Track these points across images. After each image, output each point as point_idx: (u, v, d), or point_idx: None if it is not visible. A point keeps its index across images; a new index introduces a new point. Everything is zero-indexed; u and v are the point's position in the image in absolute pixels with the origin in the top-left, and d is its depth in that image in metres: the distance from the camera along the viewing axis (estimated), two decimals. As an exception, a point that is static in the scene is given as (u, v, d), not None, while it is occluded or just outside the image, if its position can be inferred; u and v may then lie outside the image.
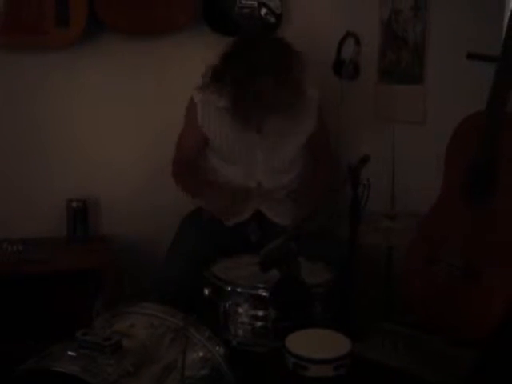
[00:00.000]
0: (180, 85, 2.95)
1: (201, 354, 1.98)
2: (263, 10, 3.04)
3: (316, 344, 1.93)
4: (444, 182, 2.45)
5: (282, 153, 2.72)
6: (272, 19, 3.06)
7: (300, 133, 2.74)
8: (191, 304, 2.24)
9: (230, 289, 2.19)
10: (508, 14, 2.30)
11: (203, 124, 2.71)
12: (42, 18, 2.80)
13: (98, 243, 3.08)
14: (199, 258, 2.41)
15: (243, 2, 3.06)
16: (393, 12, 3.06)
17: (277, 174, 2.72)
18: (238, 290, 2.18)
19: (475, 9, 2.69)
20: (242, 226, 2.71)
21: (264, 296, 2.14)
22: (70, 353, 1.76)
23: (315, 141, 2.78)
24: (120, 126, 3.14)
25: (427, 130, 2.97)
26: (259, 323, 2.16)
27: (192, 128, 2.74)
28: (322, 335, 2.00)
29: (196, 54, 2.92)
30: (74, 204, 3.04)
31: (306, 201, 2.64)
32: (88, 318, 2.02)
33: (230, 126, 2.66)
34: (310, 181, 2.78)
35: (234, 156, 2.71)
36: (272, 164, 2.71)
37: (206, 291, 2.25)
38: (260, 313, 2.15)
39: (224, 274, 2.27)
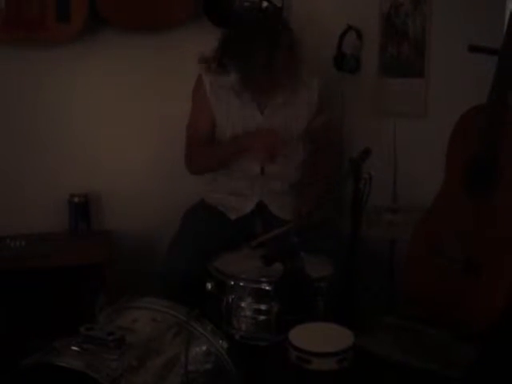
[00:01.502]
0: (181, 79, 2.95)
1: (204, 347, 1.99)
2: (264, 4, 3.04)
3: (319, 337, 1.93)
4: (446, 175, 2.45)
5: (284, 136, 2.72)
6: (273, 13, 3.05)
7: (300, 117, 2.75)
8: (194, 298, 2.24)
9: (232, 283, 2.18)
10: (509, 5, 2.29)
11: (211, 101, 2.71)
12: (43, 13, 2.80)
13: (100, 238, 3.08)
14: (202, 251, 2.41)
15: (244, -5, 3.06)
16: (393, 5, 3.05)
17: (279, 159, 2.72)
18: (241, 283, 2.18)
19: (476, 1, 2.69)
20: (245, 220, 2.71)
21: (267, 290, 2.14)
22: (73, 348, 1.76)
23: (317, 131, 2.79)
24: (121, 121, 3.15)
25: (428, 123, 2.97)
26: (262, 317, 2.15)
27: (202, 106, 2.72)
28: (324, 329, 2.00)
29: (197, 48, 2.91)
30: (76, 199, 3.05)
31: (309, 194, 2.64)
32: (91, 312, 2.03)
33: (234, 106, 2.67)
34: (313, 174, 2.78)
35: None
36: None
37: (209, 285, 2.25)
38: (263, 306, 2.15)
39: (226, 267, 2.27)
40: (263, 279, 2.16)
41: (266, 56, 2.50)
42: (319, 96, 2.78)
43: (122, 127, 3.16)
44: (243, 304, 2.17)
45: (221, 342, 2.02)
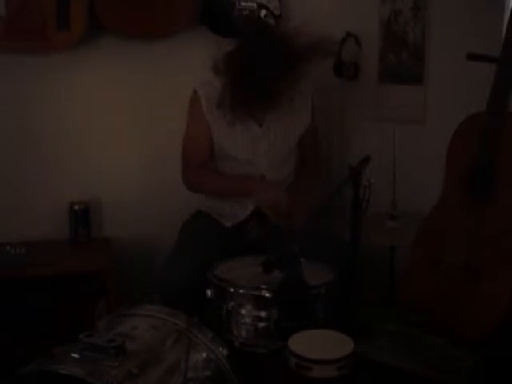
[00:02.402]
0: (180, 87, 2.95)
1: (204, 355, 1.99)
2: (262, 12, 3.04)
3: (319, 344, 1.93)
4: (445, 181, 2.45)
5: (283, 145, 2.72)
6: (271, 21, 3.06)
7: (298, 125, 2.76)
8: (194, 305, 2.24)
9: (232, 290, 2.18)
10: (508, 13, 2.30)
11: (208, 117, 2.67)
12: (43, 21, 2.81)
13: (101, 246, 3.08)
14: (201, 259, 2.41)
15: (242, 3, 3.06)
16: (392, 12, 3.06)
17: (278, 167, 2.73)
18: (241, 291, 2.17)
19: (475, 9, 2.70)
20: (241, 226, 2.71)
21: (266, 297, 2.14)
22: (73, 355, 1.76)
23: (307, 136, 2.80)
24: (121, 129, 3.15)
25: (428, 129, 2.97)
26: (262, 324, 2.15)
27: (199, 123, 2.68)
28: (324, 336, 2.00)
29: (196, 56, 2.92)
30: (76, 207, 3.05)
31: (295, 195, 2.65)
32: (91, 320, 2.04)
33: (230, 120, 2.64)
34: (301, 178, 2.80)
35: (237, 151, 2.70)
36: (274, 157, 2.71)
37: (209, 292, 2.25)
38: (262, 314, 2.15)
39: (226, 275, 2.27)
40: (263, 286, 2.16)
41: (277, 83, 2.48)
42: (313, 101, 2.79)
43: (122, 135, 3.16)
44: (243, 311, 2.17)
45: (221, 349, 2.02)
